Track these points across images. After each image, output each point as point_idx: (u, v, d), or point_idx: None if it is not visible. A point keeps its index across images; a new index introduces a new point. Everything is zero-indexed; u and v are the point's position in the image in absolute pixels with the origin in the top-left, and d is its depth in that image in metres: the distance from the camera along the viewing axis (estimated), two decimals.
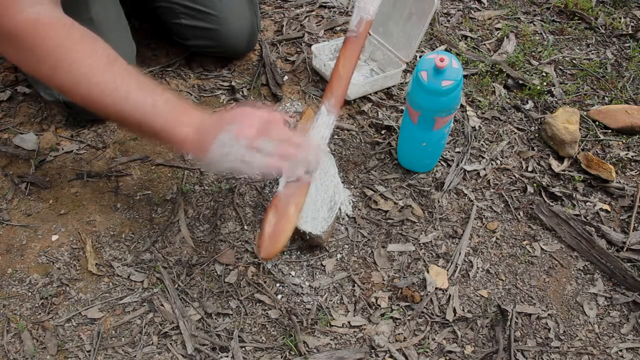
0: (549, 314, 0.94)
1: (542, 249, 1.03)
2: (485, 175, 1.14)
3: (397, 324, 0.92)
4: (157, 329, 0.89)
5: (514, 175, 1.14)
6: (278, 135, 0.81)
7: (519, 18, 1.52)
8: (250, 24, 1.27)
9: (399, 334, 0.91)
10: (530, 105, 1.29)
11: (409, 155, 1.12)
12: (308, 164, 0.82)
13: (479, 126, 1.23)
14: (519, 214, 1.08)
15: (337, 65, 0.94)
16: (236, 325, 0.90)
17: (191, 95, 1.25)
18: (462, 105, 1.26)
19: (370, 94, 1.27)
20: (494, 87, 1.32)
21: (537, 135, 1.22)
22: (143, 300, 0.92)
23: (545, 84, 1.33)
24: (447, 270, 0.99)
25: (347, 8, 1.51)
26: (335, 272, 0.98)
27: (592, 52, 1.44)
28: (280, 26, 1.45)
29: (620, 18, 1.53)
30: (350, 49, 0.94)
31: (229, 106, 1.24)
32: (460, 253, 1.01)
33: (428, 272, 0.98)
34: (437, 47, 1.41)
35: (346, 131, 1.20)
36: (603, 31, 1.49)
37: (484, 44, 1.44)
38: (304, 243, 1.00)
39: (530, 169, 1.16)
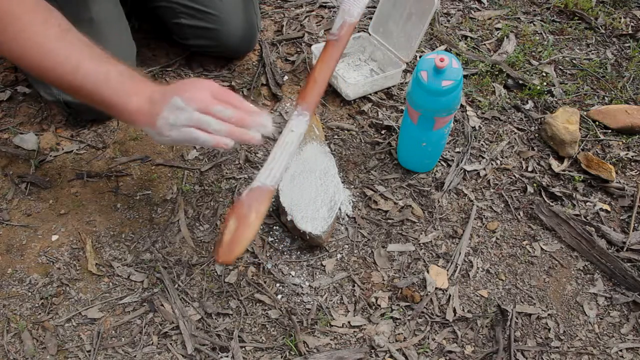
0: (549, 314, 0.94)
1: (542, 249, 1.03)
2: (485, 175, 1.14)
3: (397, 324, 0.92)
4: (157, 329, 0.89)
5: (514, 175, 1.14)
6: (232, 102, 0.80)
7: (519, 18, 1.52)
8: (250, 24, 1.27)
9: (399, 334, 0.91)
10: (530, 105, 1.29)
11: (409, 155, 1.12)
12: (264, 128, 0.81)
13: (479, 126, 1.23)
14: (519, 214, 1.08)
15: (314, 69, 0.90)
16: (236, 325, 0.90)
17: None
18: (462, 105, 1.26)
19: (370, 94, 1.27)
20: (494, 87, 1.32)
21: (537, 135, 1.22)
22: (143, 300, 0.92)
23: (545, 84, 1.33)
24: (447, 270, 0.99)
25: None
26: (335, 272, 0.98)
27: (592, 52, 1.44)
28: (280, 26, 1.45)
29: (620, 18, 1.53)
30: (329, 53, 0.91)
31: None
32: (460, 253, 1.01)
33: (428, 272, 0.98)
34: (437, 47, 1.41)
35: (346, 131, 1.20)
36: (603, 31, 1.49)
37: (484, 44, 1.44)
38: (304, 243, 1.00)
39: (530, 169, 1.16)
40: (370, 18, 1.32)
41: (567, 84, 1.34)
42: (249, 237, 0.79)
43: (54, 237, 0.99)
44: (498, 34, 1.47)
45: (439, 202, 1.08)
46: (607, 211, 1.09)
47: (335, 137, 1.19)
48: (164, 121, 0.77)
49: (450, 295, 0.95)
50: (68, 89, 0.81)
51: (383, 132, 1.21)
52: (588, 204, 1.10)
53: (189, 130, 0.77)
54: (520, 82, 1.32)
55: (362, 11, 0.94)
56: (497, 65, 1.35)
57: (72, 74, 0.77)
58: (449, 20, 1.50)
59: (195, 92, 0.78)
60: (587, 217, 1.08)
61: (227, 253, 0.78)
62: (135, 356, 0.86)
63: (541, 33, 1.48)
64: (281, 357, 0.87)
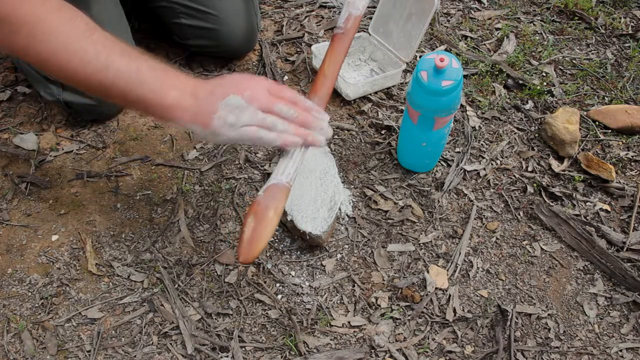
0: (549, 314, 0.94)
1: (542, 249, 1.03)
2: (485, 175, 1.14)
3: (397, 324, 0.92)
4: (157, 329, 0.89)
5: (514, 175, 1.14)
6: (292, 100, 0.76)
7: (519, 18, 1.52)
8: (250, 23, 1.27)
9: (399, 334, 0.91)
10: (530, 105, 1.29)
11: (409, 155, 1.12)
12: (327, 133, 0.79)
13: (479, 126, 1.23)
14: (519, 214, 1.08)
15: (323, 64, 0.89)
16: (236, 325, 0.90)
17: None
18: (462, 105, 1.26)
19: (370, 94, 1.27)
20: (494, 87, 1.32)
21: (537, 135, 1.22)
22: (143, 300, 0.92)
23: (545, 84, 1.33)
24: (447, 270, 0.99)
25: None
26: (335, 272, 0.98)
27: (592, 52, 1.44)
28: (280, 26, 1.45)
29: (620, 18, 1.53)
30: (337, 47, 0.90)
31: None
32: (460, 253, 1.01)
33: (428, 272, 0.98)
34: (437, 47, 1.41)
35: (346, 131, 1.20)
36: (603, 31, 1.49)
37: (484, 44, 1.44)
38: (304, 243, 1.00)
39: (530, 169, 1.16)
40: (370, 18, 1.32)
41: (567, 84, 1.34)
42: (268, 234, 0.77)
43: (54, 237, 0.99)
44: (498, 34, 1.46)
45: (439, 202, 1.08)
46: (607, 211, 1.09)
47: (335, 137, 1.19)
48: (222, 121, 0.73)
49: (450, 295, 0.95)
50: (99, 89, 0.75)
51: (383, 132, 1.21)
52: (588, 204, 1.10)
53: (253, 129, 0.74)
54: (520, 82, 1.32)
55: (367, 4, 0.93)
56: (497, 65, 1.35)
57: (102, 72, 0.73)
58: (449, 20, 1.50)
59: (255, 89, 0.74)
60: (587, 217, 1.08)
61: (248, 251, 0.76)
62: (135, 356, 0.86)
63: (541, 33, 1.48)
64: (281, 357, 0.87)
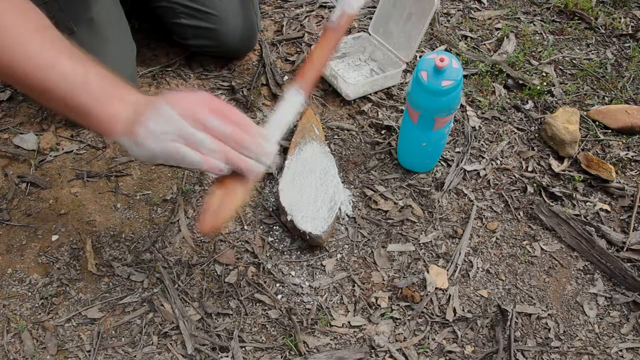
0: (549, 314, 0.94)
1: (542, 249, 1.03)
2: (485, 175, 1.14)
3: (397, 324, 0.92)
4: (157, 329, 0.89)
5: (514, 175, 1.14)
6: (233, 119, 0.68)
7: (519, 18, 1.52)
8: (250, 23, 1.27)
9: (399, 334, 0.91)
10: (530, 105, 1.29)
11: (409, 155, 1.12)
12: (267, 158, 0.71)
13: (479, 126, 1.23)
14: (519, 214, 1.08)
15: (312, 53, 0.88)
16: (236, 325, 0.90)
17: None
18: (462, 105, 1.26)
19: (370, 94, 1.27)
20: (494, 87, 1.32)
21: (537, 135, 1.22)
22: (143, 300, 0.92)
23: (545, 84, 1.33)
24: (447, 270, 0.99)
25: None
26: (335, 272, 0.98)
27: (592, 52, 1.44)
28: (280, 26, 1.45)
29: (620, 18, 1.53)
30: (327, 39, 0.87)
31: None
32: (460, 253, 1.01)
33: (428, 272, 0.98)
34: (437, 47, 1.41)
35: (346, 131, 1.20)
36: (603, 31, 1.49)
37: (484, 44, 1.44)
38: (304, 243, 1.00)
39: (530, 169, 1.16)
40: (370, 18, 1.32)
41: (567, 84, 1.34)
42: (233, 207, 0.72)
43: (54, 237, 0.99)
44: (498, 34, 1.46)
45: (439, 202, 1.08)
46: (607, 211, 1.09)
47: (335, 137, 1.19)
48: (146, 130, 0.65)
49: (450, 295, 0.95)
50: (40, 89, 0.67)
51: (383, 132, 1.21)
52: (588, 204, 1.10)
53: (175, 145, 0.65)
54: (520, 82, 1.32)
55: (361, 4, 0.93)
56: (497, 65, 1.35)
57: (46, 71, 0.66)
58: (449, 20, 1.50)
59: (189, 101, 0.67)
60: (587, 217, 1.08)
61: (213, 221, 0.70)
62: (135, 356, 0.86)
63: (541, 33, 1.48)
64: (281, 357, 0.87)
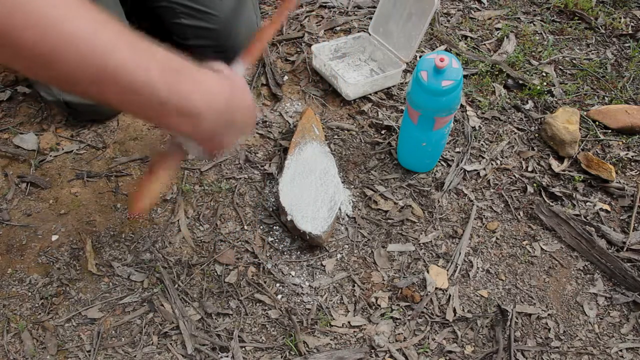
0: (549, 314, 0.94)
1: (542, 249, 1.03)
2: (485, 175, 1.14)
3: (397, 324, 0.92)
4: (157, 329, 0.89)
5: (514, 175, 1.14)
6: None
7: (519, 18, 1.52)
8: (250, 23, 1.26)
9: (399, 334, 0.91)
10: (530, 105, 1.29)
11: (409, 155, 1.12)
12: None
13: (479, 126, 1.23)
14: (519, 214, 1.08)
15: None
16: (236, 325, 0.90)
17: None
18: (462, 105, 1.26)
19: (370, 94, 1.27)
20: (494, 87, 1.32)
21: (537, 135, 1.22)
22: (143, 300, 0.92)
23: (545, 84, 1.33)
24: (447, 270, 0.99)
25: (347, 8, 1.51)
26: (335, 272, 0.98)
27: (592, 52, 1.44)
28: (280, 26, 1.44)
29: (620, 18, 1.53)
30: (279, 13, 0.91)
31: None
32: (460, 253, 1.01)
33: (428, 272, 0.98)
34: (437, 47, 1.41)
35: (346, 131, 1.20)
36: (603, 31, 1.49)
37: (484, 44, 1.44)
38: (304, 243, 1.00)
39: (530, 169, 1.16)
40: (370, 18, 1.32)
41: (567, 84, 1.34)
42: (156, 189, 0.71)
43: (54, 237, 0.99)
44: (498, 34, 1.46)
45: (439, 202, 1.08)
46: (607, 211, 1.09)
47: (335, 137, 1.19)
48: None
49: (450, 295, 0.95)
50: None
51: (383, 132, 1.21)
52: (588, 204, 1.10)
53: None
54: (520, 82, 1.32)
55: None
56: (497, 65, 1.35)
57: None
58: (449, 20, 1.50)
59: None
60: (587, 217, 1.08)
61: (139, 203, 0.70)
62: (135, 356, 0.86)
63: (541, 33, 1.48)
64: (281, 357, 0.87)
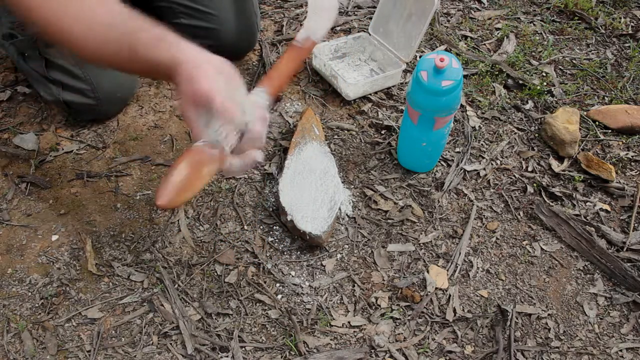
0: (549, 314, 0.94)
1: (542, 249, 1.03)
2: (485, 175, 1.14)
3: (397, 324, 0.92)
4: (157, 329, 0.89)
5: (514, 175, 1.14)
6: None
7: (519, 18, 1.52)
8: (250, 23, 1.27)
9: (399, 334, 0.91)
10: (530, 105, 1.29)
11: (409, 155, 1.12)
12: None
13: (479, 126, 1.23)
14: (519, 214, 1.08)
15: (277, 66, 0.90)
16: (236, 325, 0.90)
17: None
18: (462, 105, 1.26)
19: (370, 94, 1.27)
20: (494, 87, 1.32)
21: (537, 135, 1.22)
22: (143, 300, 0.92)
23: (545, 84, 1.33)
24: (447, 270, 0.99)
25: (347, 8, 1.51)
26: (335, 272, 0.98)
27: (592, 52, 1.44)
28: (280, 26, 1.45)
29: (620, 18, 1.53)
30: (292, 57, 0.91)
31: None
32: (460, 253, 1.01)
33: (428, 272, 0.98)
34: (437, 47, 1.41)
35: (346, 131, 1.20)
36: (603, 31, 1.49)
37: (484, 44, 1.44)
38: (304, 243, 1.00)
39: (530, 169, 1.16)
40: (370, 18, 1.32)
41: (567, 84, 1.34)
42: (197, 189, 0.73)
43: (54, 237, 0.99)
44: (498, 34, 1.47)
45: (439, 202, 1.08)
46: (607, 211, 1.09)
47: (335, 137, 1.19)
48: None
49: (450, 295, 0.95)
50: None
51: (383, 132, 1.21)
52: (588, 204, 1.10)
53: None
54: (520, 82, 1.32)
55: (324, 34, 0.94)
56: (497, 65, 1.35)
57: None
58: (449, 20, 1.50)
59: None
60: (587, 217, 1.08)
61: (174, 198, 0.69)
62: (135, 356, 0.86)
63: (541, 33, 1.48)
64: (281, 357, 0.87)
